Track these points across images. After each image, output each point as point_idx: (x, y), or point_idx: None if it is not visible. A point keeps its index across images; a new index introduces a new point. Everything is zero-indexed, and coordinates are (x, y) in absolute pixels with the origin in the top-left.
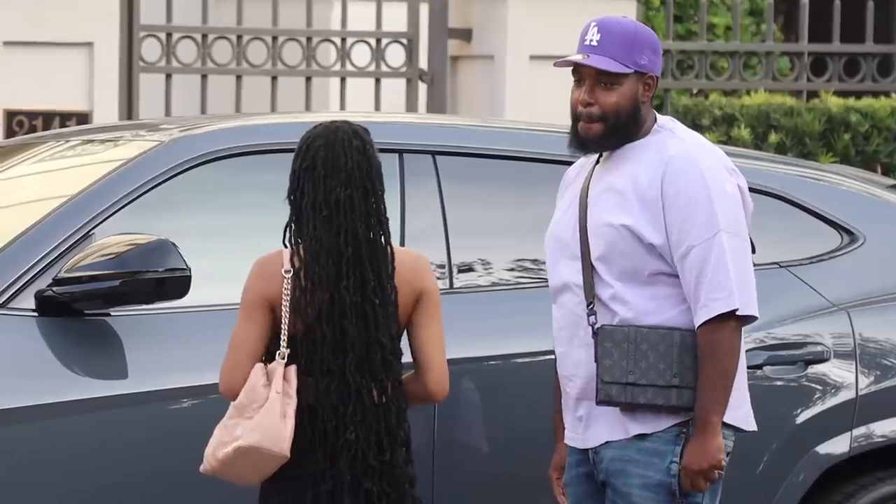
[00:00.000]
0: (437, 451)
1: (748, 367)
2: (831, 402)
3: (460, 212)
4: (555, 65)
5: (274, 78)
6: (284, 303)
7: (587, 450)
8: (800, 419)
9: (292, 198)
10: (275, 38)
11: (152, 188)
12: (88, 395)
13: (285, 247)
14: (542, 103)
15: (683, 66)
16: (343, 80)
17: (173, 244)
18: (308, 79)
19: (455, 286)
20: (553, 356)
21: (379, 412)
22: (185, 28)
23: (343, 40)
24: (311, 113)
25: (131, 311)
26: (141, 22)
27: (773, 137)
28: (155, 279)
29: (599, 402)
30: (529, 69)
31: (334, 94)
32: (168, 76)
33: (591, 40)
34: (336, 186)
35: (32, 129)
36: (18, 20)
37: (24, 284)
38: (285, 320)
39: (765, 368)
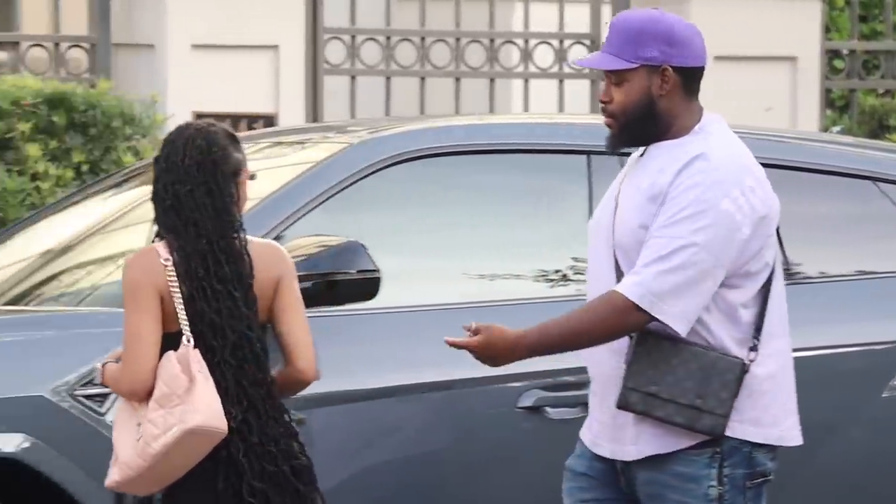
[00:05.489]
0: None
1: None
2: None
3: None
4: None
5: (457, 79)
6: (174, 290)
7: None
8: None
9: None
10: (458, 40)
11: (342, 190)
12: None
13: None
14: (726, 103)
15: (869, 66)
16: (526, 81)
17: (363, 246)
18: (491, 80)
19: None
20: None
21: (255, 399)
22: (368, 30)
23: (526, 41)
24: (495, 115)
25: (322, 313)
26: (325, 24)
27: None
28: (345, 281)
29: (618, 406)
30: (713, 69)
31: (517, 95)
32: (352, 78)
33: (606, 39)
34: (174, 182)
35: None
36: (206, 24)
37: None
38: (181, 307)
39: None
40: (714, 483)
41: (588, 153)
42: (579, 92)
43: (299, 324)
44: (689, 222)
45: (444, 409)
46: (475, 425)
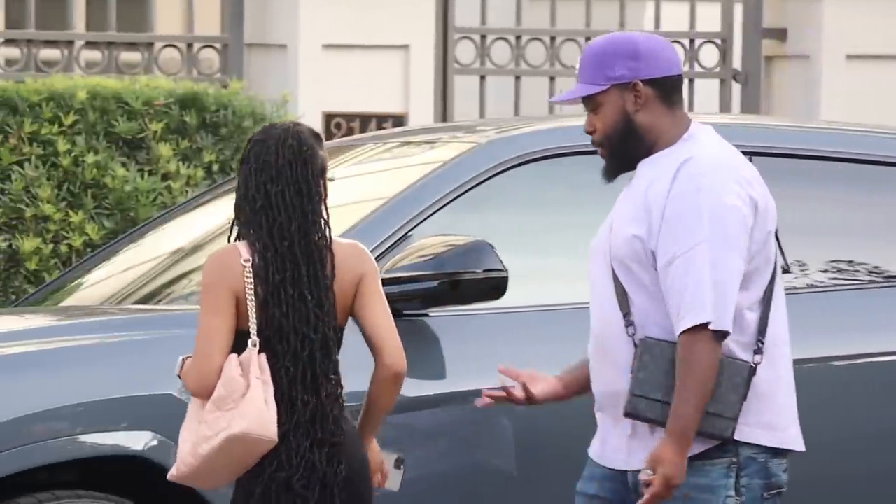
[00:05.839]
0: None
1: None
2: None
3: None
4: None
5: None
6: (248, 292)
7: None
8: None
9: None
10: (587, 39)
11: (469, 189)
12: (406, 394)
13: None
14: (859, 103)
15: None
16: None
17: (490, 245)
18: None
19: None
20: None
21: (297, 404)
22: (499, 30)
23: None
24: None
25: (449, 312)
26: (455, 24)
27: None
28: (472, 280)
29: (625, 414)
30: (846, 69)
31: None
32: (482, 78)
33: (578, 71)
34: (266, 182)
35: (350, 132)
36: (337, 24)
37: None
38: (252, 309)
39: None
40: (732, 493)
41: None
42: (710, 92)
43: (382, 319)
44: (699, 228)
45: (573, 408)
46: None
